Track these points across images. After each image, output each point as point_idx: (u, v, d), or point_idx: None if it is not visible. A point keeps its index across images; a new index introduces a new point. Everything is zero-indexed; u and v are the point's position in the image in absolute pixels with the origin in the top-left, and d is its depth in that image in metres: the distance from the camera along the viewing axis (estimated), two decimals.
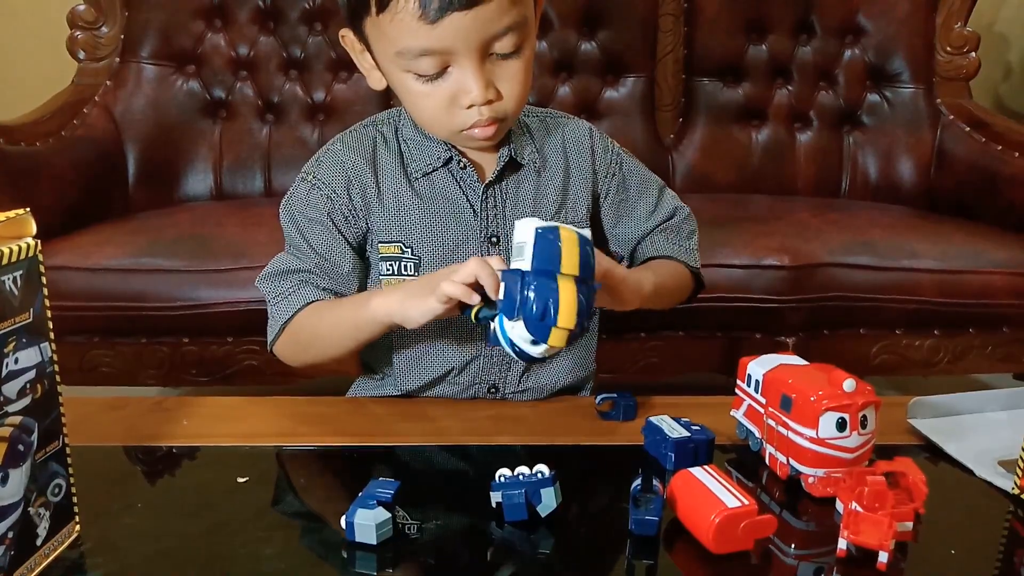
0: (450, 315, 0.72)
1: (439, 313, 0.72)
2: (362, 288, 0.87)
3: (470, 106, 0.76)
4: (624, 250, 0.94)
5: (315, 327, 0.83)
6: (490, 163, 0.85)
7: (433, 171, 0.84)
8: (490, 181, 0.84)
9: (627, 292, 0.77)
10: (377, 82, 0.81)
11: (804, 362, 0.73)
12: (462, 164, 0.84)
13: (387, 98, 1.93)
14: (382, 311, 0.76)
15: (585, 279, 0.66)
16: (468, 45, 0.73)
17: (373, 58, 0.80)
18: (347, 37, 0.81)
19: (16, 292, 0.53)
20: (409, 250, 0.84)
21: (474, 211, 0.84)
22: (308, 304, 0.83)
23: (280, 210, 0.87)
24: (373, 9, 0.73)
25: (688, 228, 0.94)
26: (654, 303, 0.83)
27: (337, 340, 0.83)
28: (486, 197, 0.85)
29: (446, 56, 0.74)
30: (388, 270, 0.85)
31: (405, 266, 0.84)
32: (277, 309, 0.85)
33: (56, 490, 0.58)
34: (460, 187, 0.84)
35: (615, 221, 0.92)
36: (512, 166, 0.85)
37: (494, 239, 0.85)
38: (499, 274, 0.68)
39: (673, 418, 0.75)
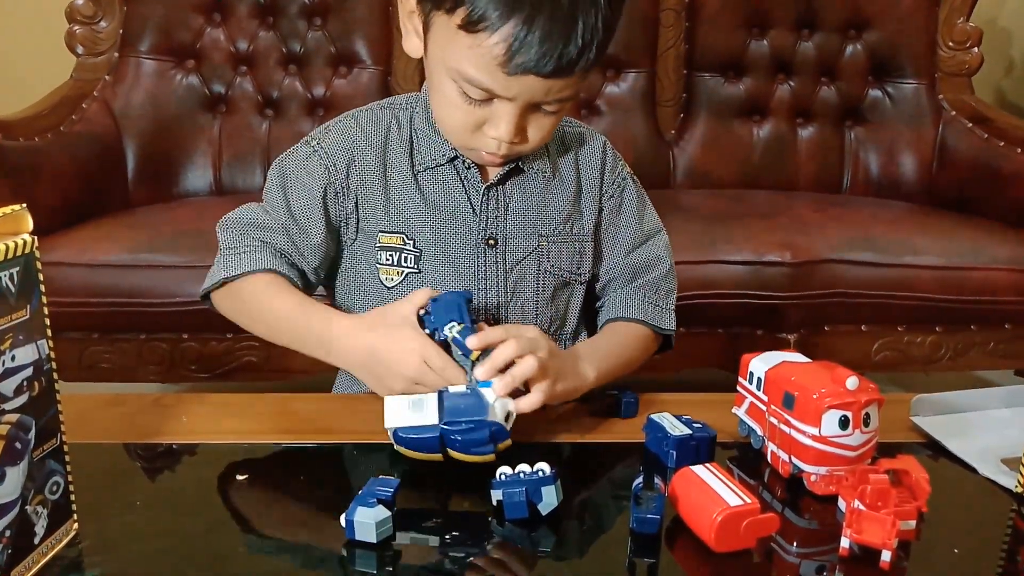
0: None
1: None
2: (324, 263, 0.86)
3: (495, 138, 0.77)
4: (600, 281, 0.92)
5: (265, 305, 0.81)
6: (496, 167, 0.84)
7: (438, 166, 0.84)
8: (491, 183, 0.84)
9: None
10: (414, 50, 0.79)
11: (806, 359, 0.73)
12: (467, 164, 0.83)
13: (388, 93, 1.92)
14: (336, 360, 0.79)
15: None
16: (523, 99, 0.74)
17: (425, 33, 0.77)
18: None
19: (13, 289, 0.52)
20: (411, 243, 0.84)
21: (474, 211, 0.84)
22: (262, 271, 0.81)
23: (273, 163, 0.87)
24: (457, 20, 0.70)
25: (667, 287, 0.91)
26: (599, 385, 0.82)
27: (280, 335, 0.82)
28: (487, 198, 0.84)
29: (500, 96, 0.74)
30: (388, 260, 0.85)
31: (405, 258, 0.84)
32: (226, 261, 0.82)
33: (54, 488, 0.57)
34: (463, 185, 0.84)
35: (600, 243, 0.91)
36: (517, 171, 0.85)
37: (492, 241, 0.85)
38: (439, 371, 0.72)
39: (674, 415, 0.74)
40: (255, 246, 0.82)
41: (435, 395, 0.70)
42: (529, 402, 0.71)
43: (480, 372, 0.70)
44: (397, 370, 0.74)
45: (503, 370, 0.71)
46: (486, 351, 0.72)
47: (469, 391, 0.70)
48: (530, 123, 0.77)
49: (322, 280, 0.90)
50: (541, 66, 0.69)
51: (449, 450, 0.68)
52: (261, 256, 0.82)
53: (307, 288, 0.86)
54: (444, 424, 0.68)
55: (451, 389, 0.71)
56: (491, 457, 0.68)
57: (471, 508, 0.66)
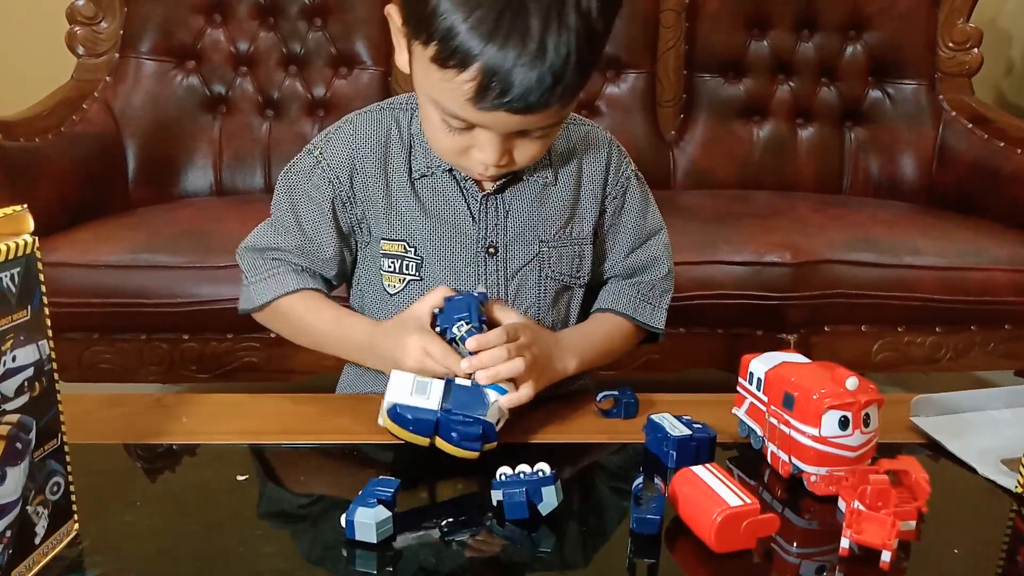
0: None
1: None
2: (343, 270, 0.88)
3: (481, 162, 0.76)
4: (601, 280, 0.92)
5: (305, 323, 0.85)
6: None
7: (434, 174, 0.83)
8: (488, 192, 0.83)
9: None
10: (404, 64, 0.78)
11: (806, 360, 0.73)
12: (464, 175, 0.83)
13: (388, 93, 1.92)
14: (374, 365, 0.82)
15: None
16: (502, 129, 0.73)
17: (409, 54, 0.76)
18: (392, 14, 0.77)
19: (13, 289, 0.52)
20: (412, 250, 0.84)
21: (473, 219, 0.84)
22: (293, 292, 0.84)
23: (279, 177, 0.87)
24: (430, 52, 0.69)
25: (663, 287, 0.91)
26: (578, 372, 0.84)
27: (324, 347, 0.87)
28: (486, 207, 0.84)
29: (478, 126, 0.73)
30: (390, 267, 0.85)
31: (407, 265, 0.84)
32: (256, 289, 0.86)
33: (55, 488, 0.57)
34: (462, 194, 0.83)
35: (600, 244, 0.90)
36: (516, 178, 0.84)
37: (492, 249, 0.84)
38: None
39: (674, 416, 0.74)
40: (278, 268, 0.85)
41: (441, 382, 0.71)
42: (509, 399, 0.73)
43: (465, 365, 0.72)
44: (403, 363, 0.75)
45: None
46: None
47: (473, 386, 0.72)
48: (516, 147, 0.76)
49: (344, 281, 0.91)
50: (513, 105, 0.68)
51: (438, 438, 0.69)
52: (286, 278, 0.85)
53: (331, 290, 0.89)
54: (444, 411, 0.69)
55: (458, 381, 0.72)
56: (475, 455, 0.69)
57: (471, 508, 0.66)
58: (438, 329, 0.76)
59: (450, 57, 0.67)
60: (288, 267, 0.85)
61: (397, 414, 0.70)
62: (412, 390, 0.70)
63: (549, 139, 0.77)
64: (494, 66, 0.66)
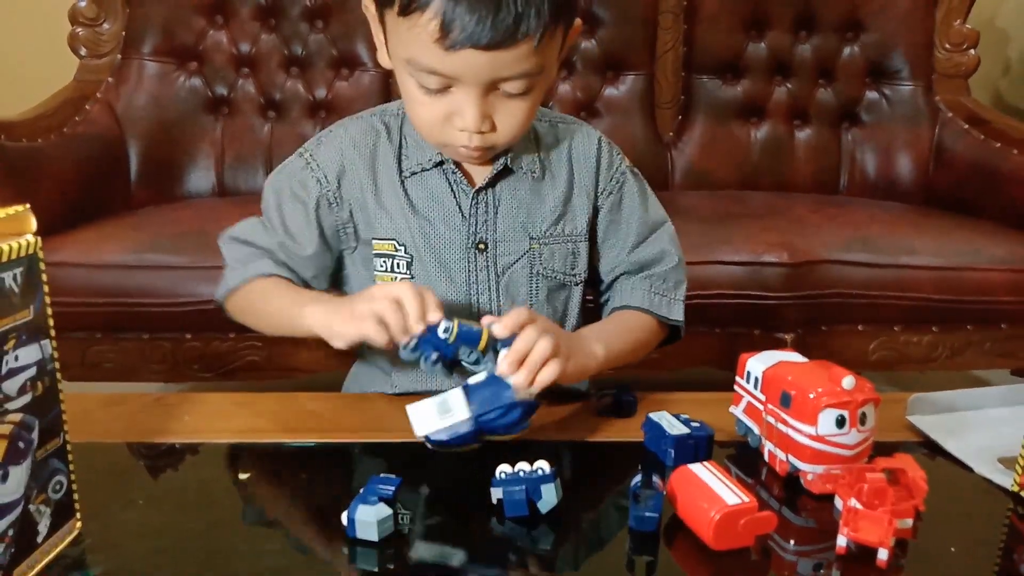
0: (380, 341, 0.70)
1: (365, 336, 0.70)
2: (322, 275, 0.87)
3: (462, 129, 0.76)
4: (604, 278, 0.92)
5: (261, 304, 0.85)
6: (484, 169, 0.84)
7: (424, 171, 0.84)
8: (480, 187, 0.84)
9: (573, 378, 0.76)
10: (386, 60, 0.80)
11: (803, 359, 0.73)
12: (454, 169, 0.83)
13: (389, 95, 1.93)
14: (309, 321, 0.76)
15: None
16: (476, 79, 0.73)
17: (384, 38, 0.78)
18: (367, 5, 0.79)
19: (16, 289, 0.53)
20: (403, 248, 0.84)
21: (463, 215, 0.84)
22: (260, 276, 0.84)
23: (269, 177, 0.88)
24: (396, 9, 0.72)
25: (675, 278, 0.91)
26: (608, 367, 0.82)
27: (277, 326, 0.84)
28: (476, 202, 0.84)
29: (452, 79, 0.73)
30: (382, 267, 0.85)
31: (398, 264, 0.84)
32: (232, 274, 0.86)
33: (57, 487, 0.58)
34: (452, 190, 0.84)
35: (601, 242, 0.90)
36: (506, 172, 0.84)
37: (482, 245, 0.84)
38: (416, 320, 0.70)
39: (673, 414, 0.75)
40: (256, 254, 0.85)
41: (458, 390, 0.70)
42: (541, 378, 0.70)
43: (505, 367, 0.69)
44: (362, 296, 0.72)
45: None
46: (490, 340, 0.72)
47: (488, 379, 0.71)
48: (496, 110, 0.76)
49: (324, 285, 0.90)
50: (477, 38, 0.68)
51: (486, 436, 0.71)
52: (259, 264, 0.85)
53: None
54: (479, 417, 0.69)
55: (471, 381, 0.71)
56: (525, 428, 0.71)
57: (471, 506, 0.66)
58: (430, 359, 0.72)
59: (412, 1, 0.69)
60: (267, 256, 0.85)
61: (438, 442, 0.70)
62: (437, 412, 0.69)
63: (529, 102, 0.76)
64: (454, 1, 0.67)
